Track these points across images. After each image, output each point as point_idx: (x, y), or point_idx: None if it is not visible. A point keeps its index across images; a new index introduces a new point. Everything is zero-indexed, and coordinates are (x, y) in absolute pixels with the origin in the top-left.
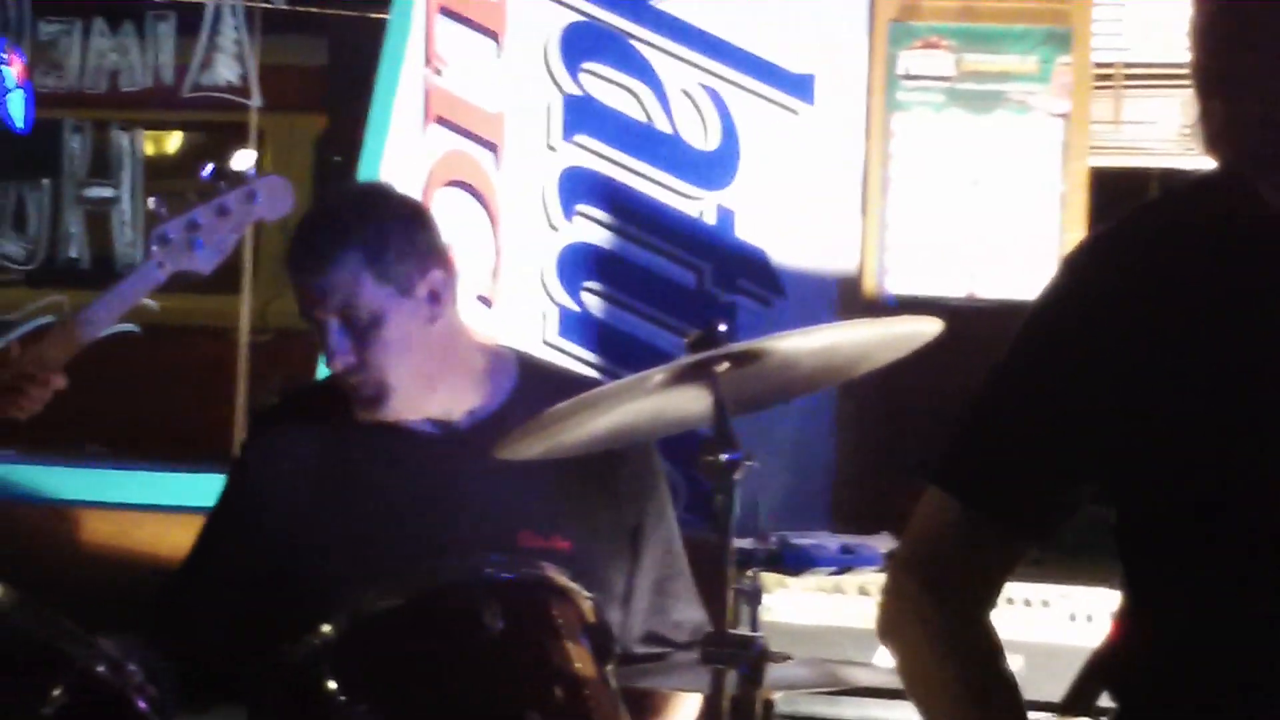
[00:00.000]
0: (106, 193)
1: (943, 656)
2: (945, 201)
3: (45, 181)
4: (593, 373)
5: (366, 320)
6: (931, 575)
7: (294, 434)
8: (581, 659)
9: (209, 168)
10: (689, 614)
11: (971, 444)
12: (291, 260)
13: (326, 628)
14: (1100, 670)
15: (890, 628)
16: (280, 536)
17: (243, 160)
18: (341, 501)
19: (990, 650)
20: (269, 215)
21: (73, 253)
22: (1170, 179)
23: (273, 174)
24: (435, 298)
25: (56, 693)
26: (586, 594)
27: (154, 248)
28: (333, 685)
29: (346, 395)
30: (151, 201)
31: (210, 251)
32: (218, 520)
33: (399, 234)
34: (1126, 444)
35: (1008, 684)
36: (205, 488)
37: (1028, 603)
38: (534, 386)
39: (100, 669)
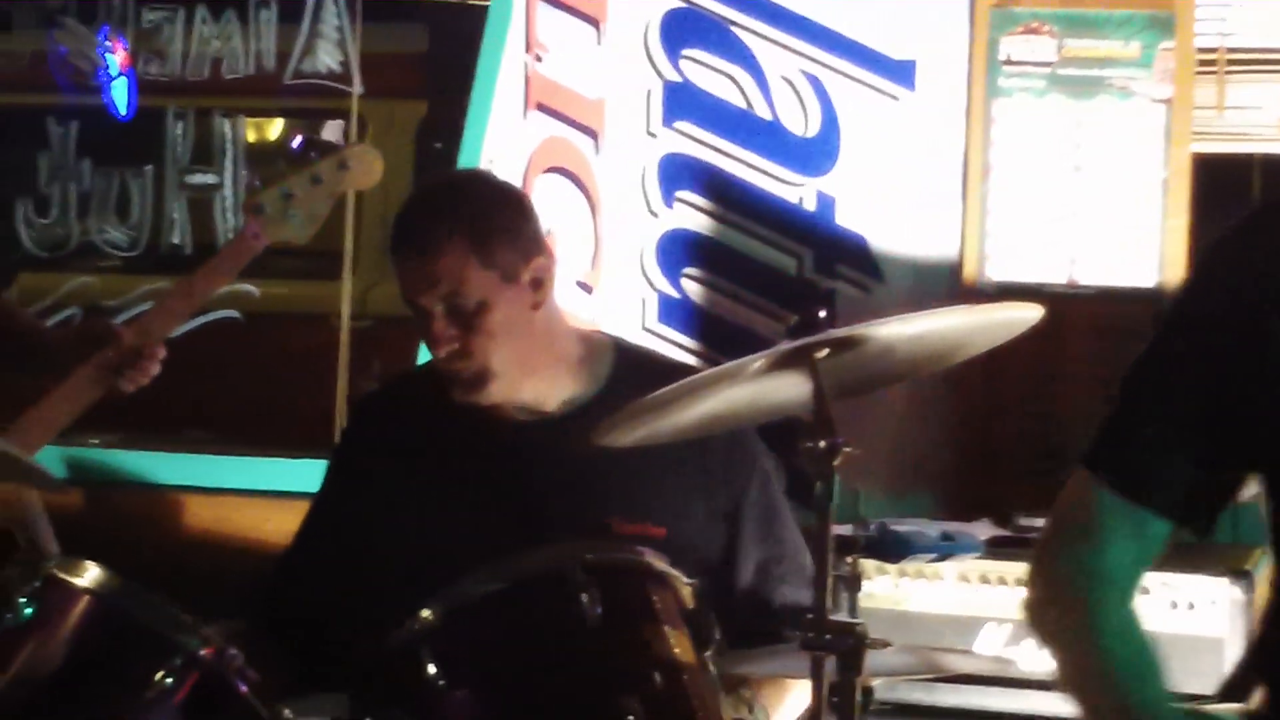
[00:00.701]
0: (209, 179)
1: (1089, 642)
2: (1046, 188)
3: (148, 168)
4: (691, 359)
5: (471, 307)
6: (1074, 558)
7: (394, 421)
8: (680, 644)
9: (299, 139)
10: (795, 597)
11: (1120, 428)
12: (396, 246)
13: (426, 613)
14: (1256, 660)
15: (1035, 615)
16: (380, 523)
17: (333, 131)
18: (439, 488)
19: (1138, 635)
20: (360, 184)
21: (175, 239)
22: (1273, 164)
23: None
24: (538, 284)
25: (159, 677)
26: (686, 579)
27: (249, 218)
28: (432, 670)
29: (445, 382)
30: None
31: (304, 220)
32: (320, 507)
33: (503, 220)
34: (1276, 431)
35: (1156, 669)
36: (305, 473)
37: None
38: (630, 374)
39: (202, 653)
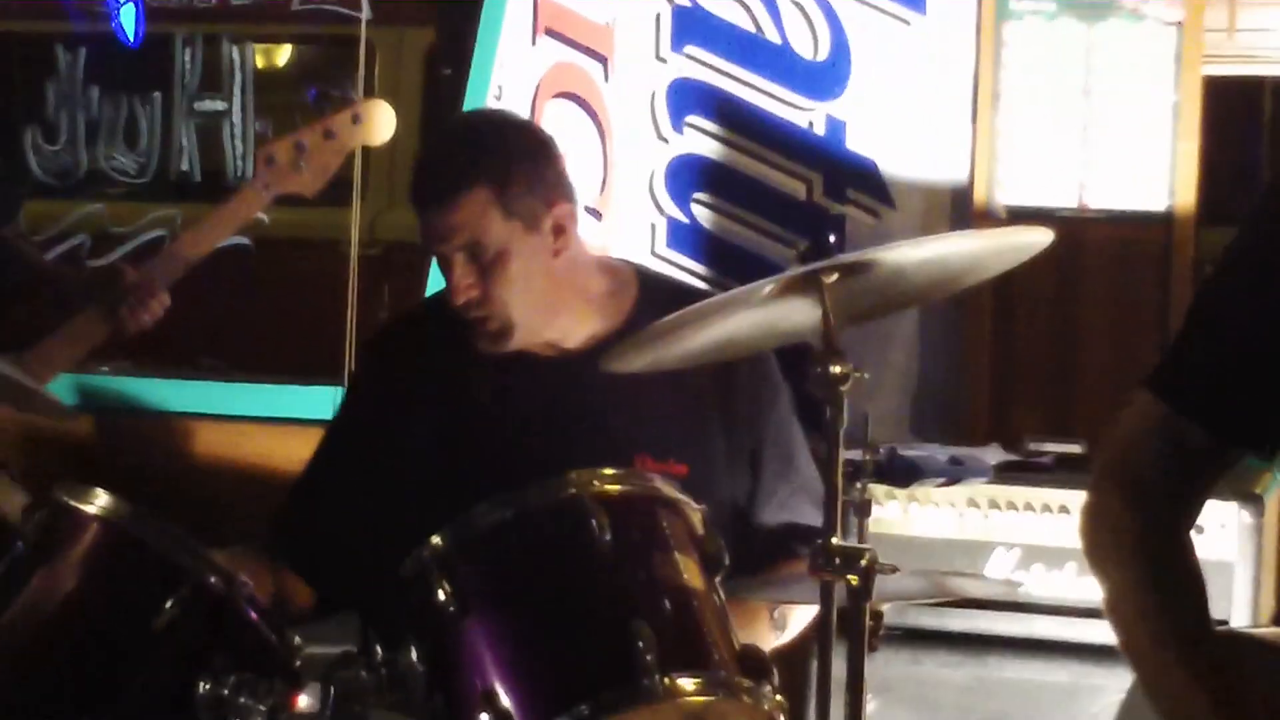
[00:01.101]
0: (217, 106)
1: (1139, 571)
2: (1057, 111)
3: (156, 95)
4: (701, 284)
5: (492, 256)
6: (1132, 482)
7: (409, 355)
8: (690, 570)
9: (313, 92)
10: (810, 523)
11: (1184, 350)
12: (416, 194)
13: (436, 540)
14: None
15: (1091, 544)
16: (397, 457)
17: (346, 84)
18: (459, 424)
19: (1188, 567)
20: (372, 139)
21: (184, 166)
22: None
23: (377, 97)
24: (560, 231)
25: (168, 604)
26: (695, 505)
27: (260, 168)
28: (442, 596)
29: (466, 328)
30: (258, 124)
31: (315, 173)
32: (335, 437)
33: (526, 168)
34: None
35: (1201, 598)
36: (315, 400)
37: None
38: (654, 303)
39: (212, 580)
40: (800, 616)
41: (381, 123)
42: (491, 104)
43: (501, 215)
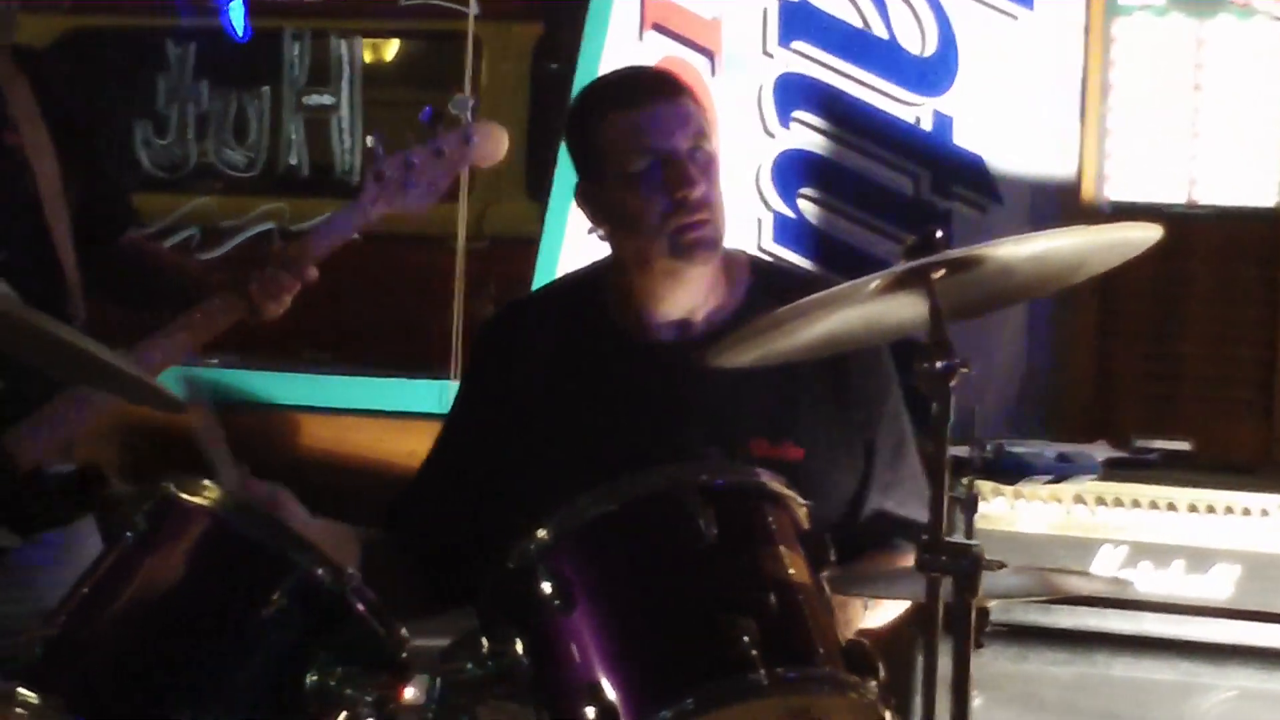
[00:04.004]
0: (325, 100)
1: None
2: (1165, 107)
3: (265, 89)
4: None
5: (712, 157)
6: None
7: (527, 341)
8: (795, 565)
9: (427, 111)
10: (911, 519)
11: None
12: (635, 97)
13: (542, 533)
14: None
15: None
16: (515, 443)
17: (461, 104)
18: (577, 408)
19: None
20: (483, 160)
21: (292, 160)
22: None
23: (484, 93)
24: None
25: (276, 596)
26: (801, 500)
27: (369, 184)
28: (547, 589)
29: (668, 243)
30: (370, 139)
31: (422, 191)
32: (454, 426)
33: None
34: None
35: None
36: (422, 394)
37: (1247, 511)
38: (768, 288)
39: (320, 573)
40: (891, 606)
41: (493, 144)
42: None
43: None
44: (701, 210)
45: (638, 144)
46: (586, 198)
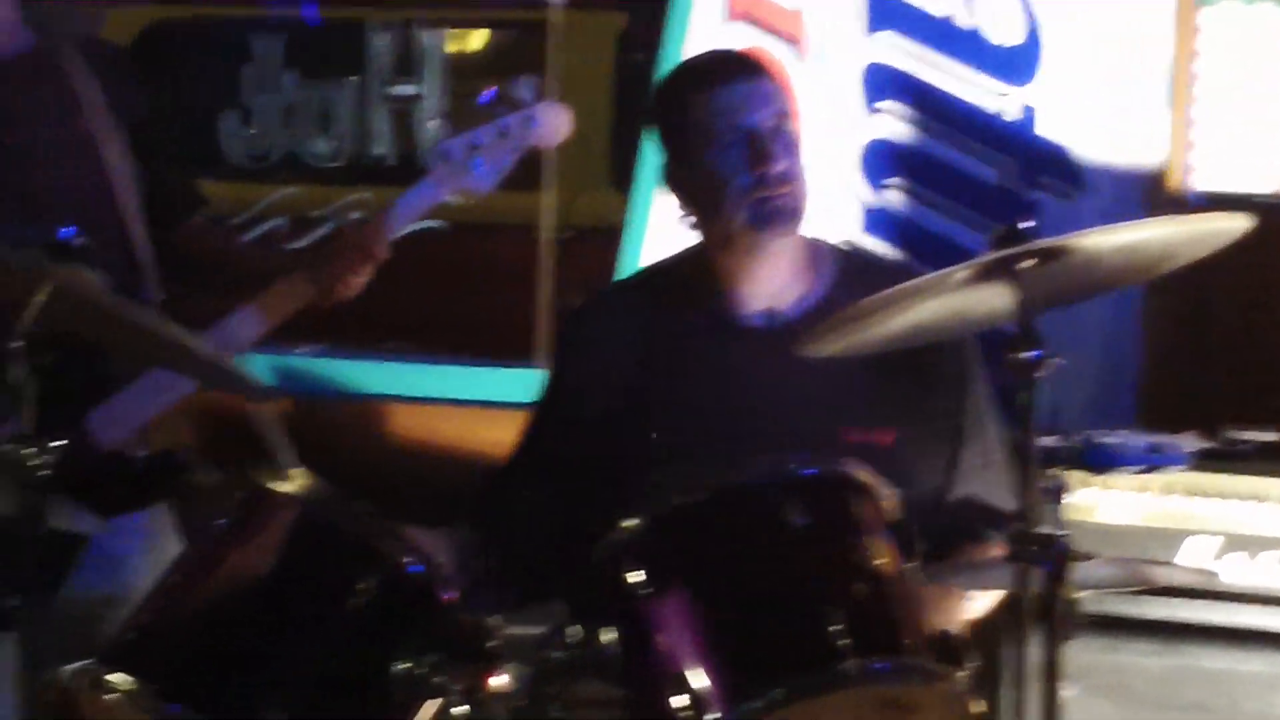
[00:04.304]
0: (411, 90)
1: None
2: (1254, 97)
3: (351, 80)
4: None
5: (792, 140)
6: None
7: (615, 328)
8: (884, 555)
9: (490, 92)
10: (1000, 510)
11: None
12: (720, 75)
13: (632, 521)
14: None
15: None
16: (604, 431)
17: (525, 85)
18: (665, 394)
19: None
20: (547, 140)
21: (378, 150)
22: None
23: (568, 82)
24: None
25: (364, 585)
26: (889, 490)
27: (435, 165)
28: (637, 577)
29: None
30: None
31: (488, 171)
32: (542, 415)
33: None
34: None
35: None
36: (509, 383)
37: None
38: (855, 276)
39: (408, 562)
40: (980, 597)
41: (558, 125)
42: None
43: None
44: (783, 184)
45: (721, 121)
46: (672, 178)
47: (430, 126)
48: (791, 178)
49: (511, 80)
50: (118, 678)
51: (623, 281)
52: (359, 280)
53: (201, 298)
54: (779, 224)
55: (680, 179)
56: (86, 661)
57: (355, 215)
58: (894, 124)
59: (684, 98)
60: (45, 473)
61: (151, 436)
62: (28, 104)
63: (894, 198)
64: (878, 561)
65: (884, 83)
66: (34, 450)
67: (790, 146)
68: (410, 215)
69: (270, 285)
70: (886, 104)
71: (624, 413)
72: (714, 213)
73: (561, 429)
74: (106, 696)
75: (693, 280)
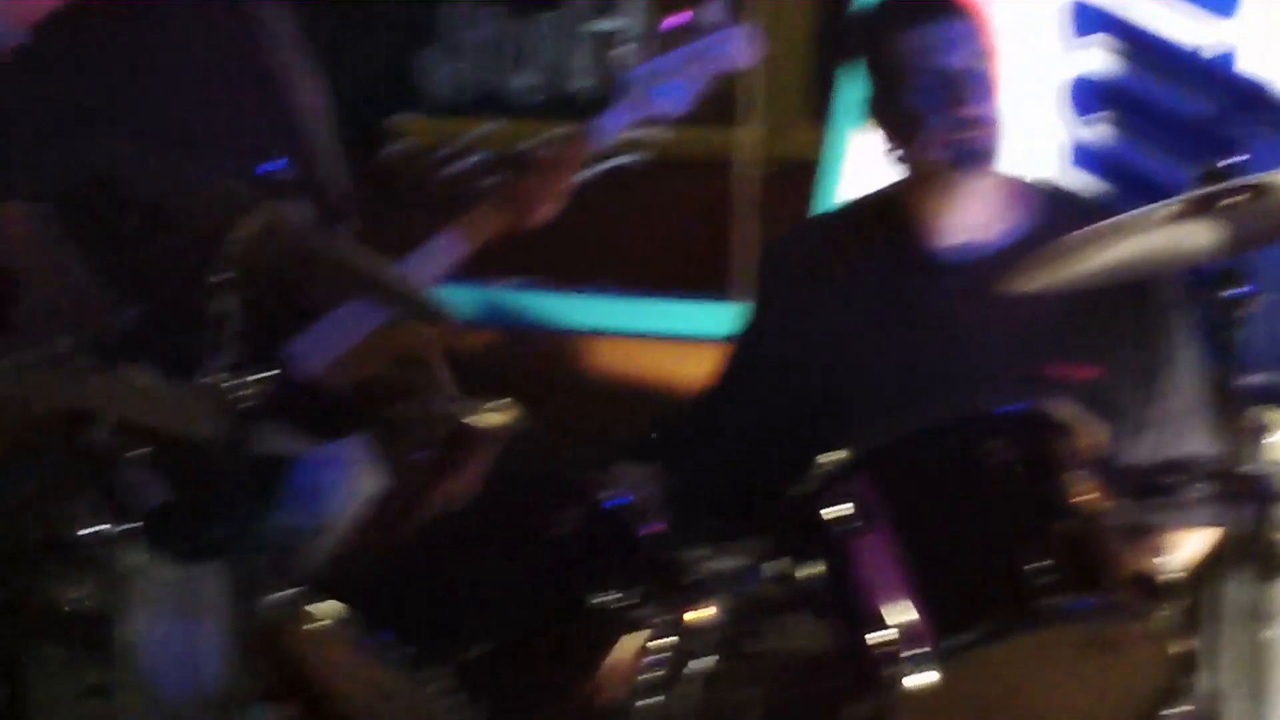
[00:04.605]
0: (611, 25)
1: None
2: None
3: (553, 14)
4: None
5: (990, 80)
6: None
7: (813, 264)
8: (1086, 493)
9: (679, 17)
10: (1202, 448)
11: None
12: (931, 6)
13: (839, 455)
14: None
15: None
16: (802, 364)
17: (713, 9)
18: (863, 329)
19: None
20: (736, 64)
21: (579, 85)
22: None
23: (765, 15)
24: None
25: (568, 517)
26: (1093, 428)
27: (625, 90)
28: (843, 511)
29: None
30: (623, 49)
31: (678, 96)
32: (740, 349)
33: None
34: None
35: None
36: (709, 316)
37: None
38: (1056, 213)
39: (612, 494)
40: (1187, 537)
41: (746, 48)
42: None
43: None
44: (980, 126)
45: (920, 61)
46: (874, 111)
47: (629, 56)
48: (988, 119)
49: (700, 5)
50: (324, 606)
51: (821, 217)
52: (551, 206)
53: (398, 227)
54: (975, 164)
55: (882, 113)
56: (294, 590)
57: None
58: (1099, 58)
59: (883, 35)
60: (252, 403)
61: (352, 367)
62: (216, 40)
63: (1098, 133)
64: (1081, 499)
65: (1089, 17)
66: (241, 381)
67: (988, 88)
68: (600, 141)
69: (464, 213)
70: (1091, 38)
71: (825, 347)
72: (912, 149)
73: (759, 363)
74: (313, 624)
75: (892, 217)
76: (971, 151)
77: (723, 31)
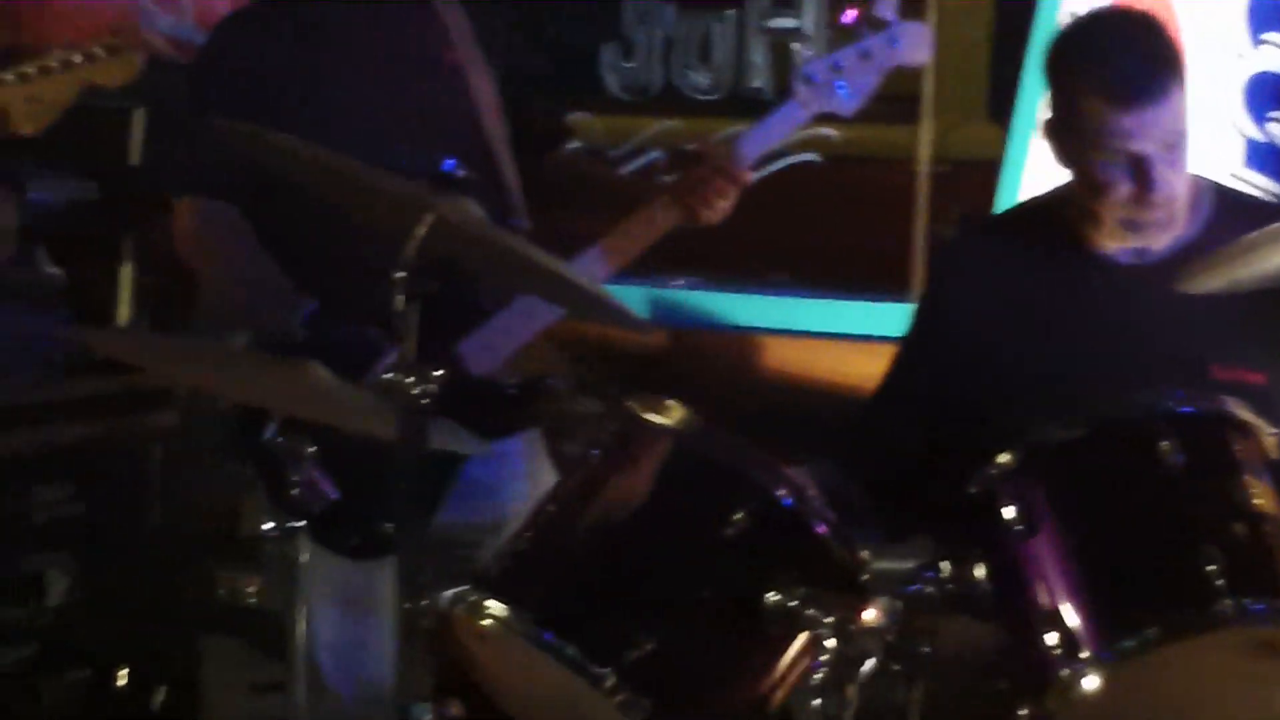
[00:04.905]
0: (789, 23)
1: None
2: None
3: (730, 12)
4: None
5: (1180, 153)
6: None
7: (987, 263)
8: (1263, 495)
9: (851, 14)
10: None
11: None
12: (1119, 95)
13: (1005, 456)
14: None
15: None
16: (972, 364)
17: (886, 5)
18: (1034, 329)
19: None
20: (909, 61)
21: (756, 83)
22: None
23: (912, 20)
24: None
25: (738, 516)
26: (1270, 429)
27: (798, 87)
28: (1010, 513)
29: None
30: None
31: (851, 94)
32: (910, 348)
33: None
34: None
35: None
36: (883, 317)
37: None
38: (1230, 213)
39: (782, 494)
40: None
41: (920, 44)
42: (1065, 12)
43: (1184, 104)
44: (1160, 207)
45: (1112, 143)
46: (1053, 136)
47: (801, 53)
48: (1172, 198)
49: (874, 1)
50: (493, 604)
51: (996, 216)
52: (724, 204)
53: (570, 225)
54: (1147, 237)
55: (1060, 144)
56: (463, 587)
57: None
58: (1277, 57)
59: (1078, 91)
60: (426, 400)
61: (523, 363)
62: (396, 35)
63: (1278, 131)
64: (1257, 501)
65: (1270, 14)
66: (415, 378)
67: (1176, 163)
68: (773, 138)
69: (639, 211)
70: (1272, 35)
71: (994, 347)
72: (1087, 194)
73: (929, 363)
74: (482, 622)
75: (1068, 218)
76: (1146, 225)
77: (897, 26)
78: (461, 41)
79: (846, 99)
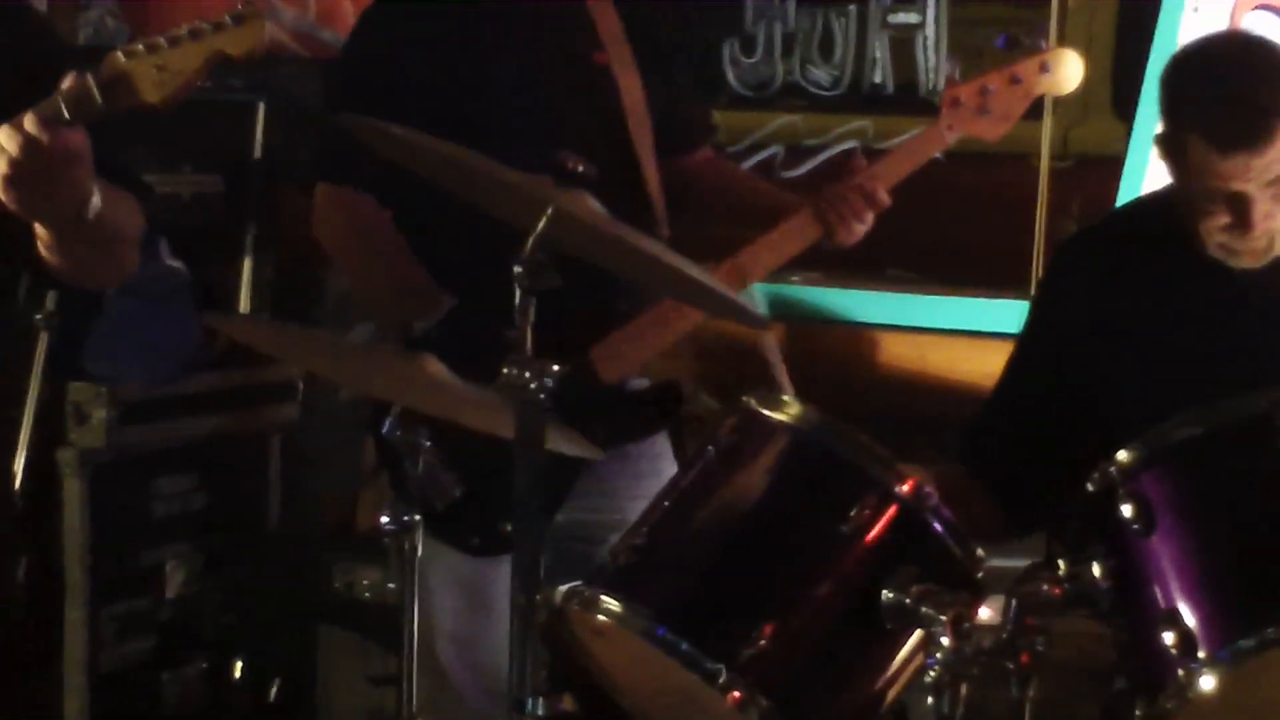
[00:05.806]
0: (911, 19)
1: None
2: None
3: (852, 8)
4: None
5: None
6: None
7: (1104, 262)
8: None
9: (1003, 38)
10: None
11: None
12: (1229, 135)
13: (1124, 455)
14: None
15: None
16: (1091, 364)
17: (1039, 31)
18: (1154, 329)
19: None
20: (1059, 88)
21: (877, 79)
22: None
23: (1066, 47)
24: None
25: (855, 511)
26: None
27: (945, 110)
28: (1129, 513)
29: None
30: (947, 65)
31: (997, 119)
32: (1025, 348)
33: None
34: None
35: None
36: (1002, 314)
37: None
38: None
39: (899, 490)
40: None
41: (1069, 73)
42: (1190, 16)
43: None
44: (1259, 240)
45: (1214, 182)
46: (1164, 150)
47: (931, 58)
48: (1270, 232)
49: (1030, 17)
50: (608, 599)
51: (1114, 214)
52: (863, 227)
53: (705, 229)
54: (1244, 263)
55: (1170, 159)
56: (579, 583)
57: (850, 144)
58: None
59: (1181, 126)
60: (545, 398)
61: (652, 366)
62: (549, 34)
63: None
64: None
65: None
66: (534, 375)
67: (1274, 208)
68: (917, 159)
69: (775, 223)
70: None
71: (1111, 347)
72: (1188, 218)
73: (1046, 360)
74: (598, 617)
75: (1181, 216)
76: (1243, 254)
77: (1049, 53)
78: (611, 41)
79: (992, 124)
